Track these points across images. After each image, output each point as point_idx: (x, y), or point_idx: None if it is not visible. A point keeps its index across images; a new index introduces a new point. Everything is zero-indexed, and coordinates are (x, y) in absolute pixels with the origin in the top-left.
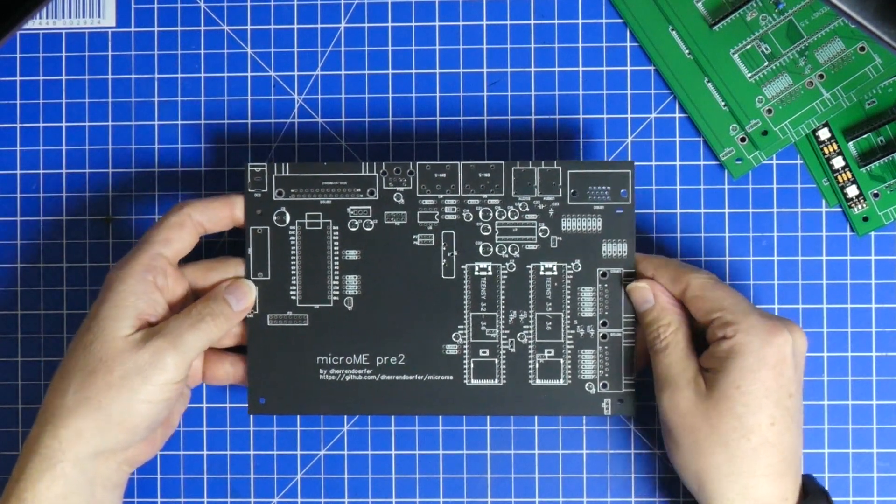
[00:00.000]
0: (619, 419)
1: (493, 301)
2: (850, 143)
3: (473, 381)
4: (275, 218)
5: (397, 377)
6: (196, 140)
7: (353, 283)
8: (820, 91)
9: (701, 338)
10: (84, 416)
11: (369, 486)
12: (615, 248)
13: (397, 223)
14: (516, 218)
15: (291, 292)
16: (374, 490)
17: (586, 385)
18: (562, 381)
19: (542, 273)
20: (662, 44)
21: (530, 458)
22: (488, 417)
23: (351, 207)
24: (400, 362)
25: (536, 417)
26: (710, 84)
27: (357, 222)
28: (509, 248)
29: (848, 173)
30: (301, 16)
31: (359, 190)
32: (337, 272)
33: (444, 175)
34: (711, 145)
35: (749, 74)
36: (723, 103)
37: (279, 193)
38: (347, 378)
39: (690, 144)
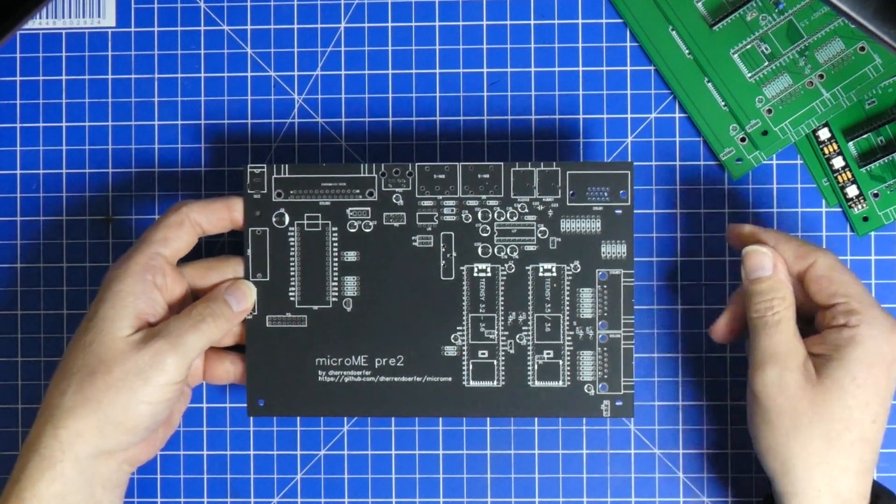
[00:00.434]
0: (619, 419)
1: (492, 302)
2: (850, 143)
3: (472, 383)
4: (274, 219)
5: (396, 378)
6: (196, 140)
7: (352, 285)
8: (820, 91)
9: (805, 320)
10: (84, 417)
11: (369, 486)
12: (614, 249)
13: (396, 224)
14: (515, 219)
15: (290, 293)
16: (374, 490)
17: (585, 387)
18: (561, 382)
19: (541, 274)
20: (662, 44)
21: (530, 458)
22: (487, 418)
23: (350, 209)
24: (399, 364)
25: (536, 417)
26: (710, 84)
27: (356, 223)
28: (508, 250)
29: (848, 173)
30: (301, 16)
31: (358, 191)
32: (336, 273)
33: (443, 176)
34: (711, 145)
35: (749, 74)
36: (723, 103)
37: (278, 195)
38: (346, 379)
39: (690, 144)
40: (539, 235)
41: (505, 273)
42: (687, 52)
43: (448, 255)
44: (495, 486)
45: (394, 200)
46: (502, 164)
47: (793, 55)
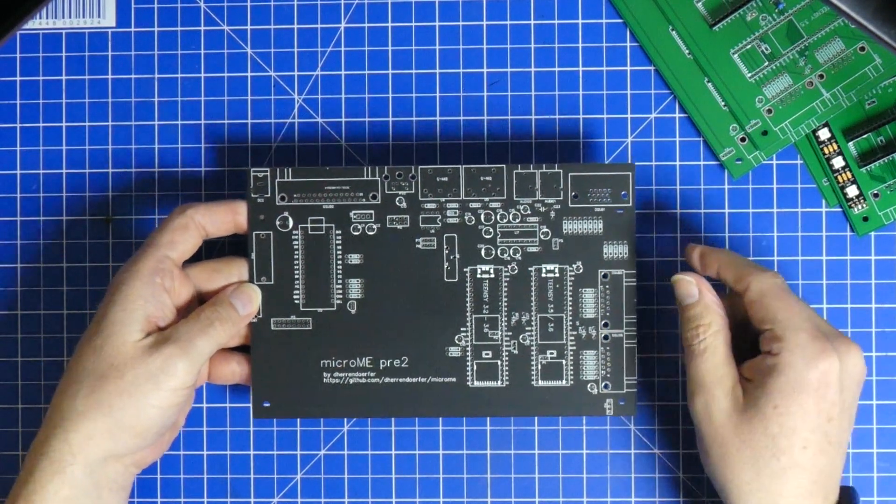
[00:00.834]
0: (619, 419)
1: (496, 303)
2: (850, 143)
3: (476, 383)
4: (277, 222)
5: (400, 380)
6: (196, 140)
7: (356, 287)
8: (820, 91)
9: (755, 343)
10: (95, 421)
11: (369, 486)
12: (616, 250)
13: (400, 227)
14: (518, 221)
15: (295, 296)
16: (374, 490)
17: (588, 386)
18: (564, 381)
19: (543, 275)
20: (662, 44)
21: (530, 458)
22: (488, 418)
23: (353, 212)
24: (403, 365)
25: (536, 417)
26: (710, 84)
27: (360, 226)
28: (511, 251)
29: (848, 173)
30: (301, 16)
31: (361, 194)
32: (340, 276)
33: (445, 179)
34: (711, 145)
35: (749, 74)
36: (723, 103)
37: (282, 198)
38: (351, 381)
39: (690, 144)
40: (541, 237)
41: (508, 274)
42: (687, 52)
43: (451, 257)
44: (495, 486)
45: (397, 203)
46: (504, 166)
47: (793, 55)
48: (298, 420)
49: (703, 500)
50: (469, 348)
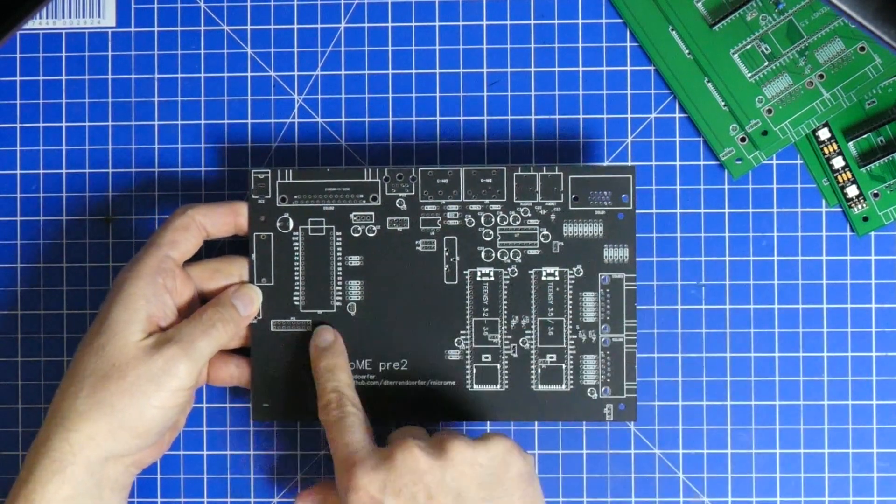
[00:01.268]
0: None
1: (496, 306)
2: (850, 143)
3: (476, 387)
4: (278, 224)
5: (400, 383)
6: (196, 140)
7: (355, 289)
8: (820, 91)
9: None
10: (96, 421)
11: None
12: (616, 253)
13: (400, 229)
14: (518, 223)
15: (295, 298)
16: None
17: (588, 390)
18: (564, 386)
19: (543, 278)
20: (662, 44)
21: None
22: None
23: (354, 213)
24: (402, 368)
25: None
26: (710, 84)
27: (360, 228)
28: (511, 254)
29: (848, 173)
30: (301, 16)
31: (361, 196)
32: (340, 278)
33: (446, 181)
34: (711, 145)
35: (749, 74)
36: (723, 103)
37: (282, 199)
38: None
39: (690, 144)
40: (542, 240)
41: (508, 277)
42: (687, 52)
43: (451, 260)
44: None
45: (397, 205)
46: (505, 168)
47: (793, 55)
48: (303, 421)
49: (703, 500)
50: (469, 352)
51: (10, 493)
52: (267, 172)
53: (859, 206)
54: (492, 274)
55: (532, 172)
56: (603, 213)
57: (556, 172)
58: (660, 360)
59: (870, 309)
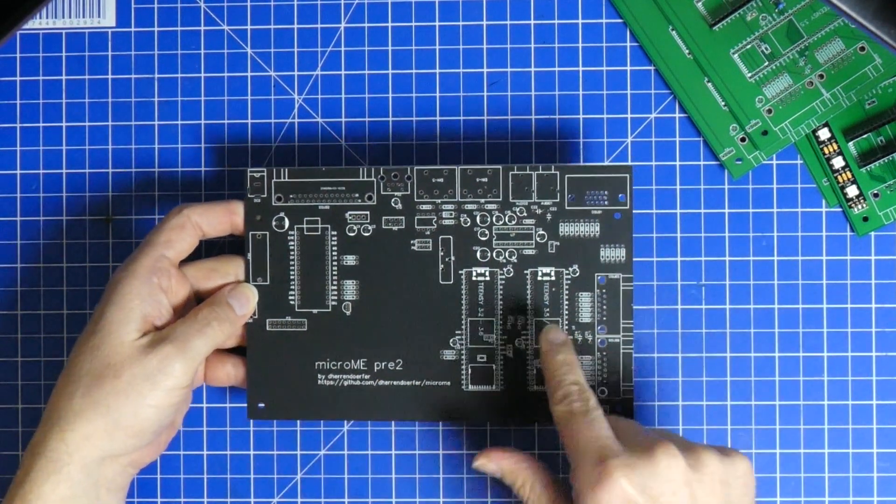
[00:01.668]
0: None
1: (491, 306)
2: (850, 143)
3: (471, 387)
4: (274, 223)
5: (395, 382)
6: (196, 140)
7: (351, 289)
8: (820, 91)
9: None
10: (92, 421)
11: (369, 486)
12: (613, 254)
13: (395, 228)
14: (514, 223)
15: (290, 297)
16: (374, 490)
17: None
18: None
19: (539, 278)
20: (662, 44)
21: None
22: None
23: (349, 213)
24: (398, 367)
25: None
26: (710, 84)
27: (355, 227)
28: (507, 254)
29: (848, 173)
30: (301, 16)
31: (357, 195)
32: (335, 277)
33: (441, 180)
34: (711, 145)
35: (749, 74)
36: (723, 103)
37: (278, 199)
38: (346, 383)
39: (690, 144)
40: (538, 239)
41: (504, 277)
42: (687, 52)
43: (447, 259)
44: (495, 486)
45: (392, 204)
46: (500, 167)
47: (793, 55)
48: (298, 420)
49: None
50: (464, 351)
51: (7, 494)
52: (263, 171)
53: (859, 206)
54: (487, 274)
55: (528, 172)
56: (599, 212)
57: (553, 172)
58: (660, 360)
59: (870, 309)
